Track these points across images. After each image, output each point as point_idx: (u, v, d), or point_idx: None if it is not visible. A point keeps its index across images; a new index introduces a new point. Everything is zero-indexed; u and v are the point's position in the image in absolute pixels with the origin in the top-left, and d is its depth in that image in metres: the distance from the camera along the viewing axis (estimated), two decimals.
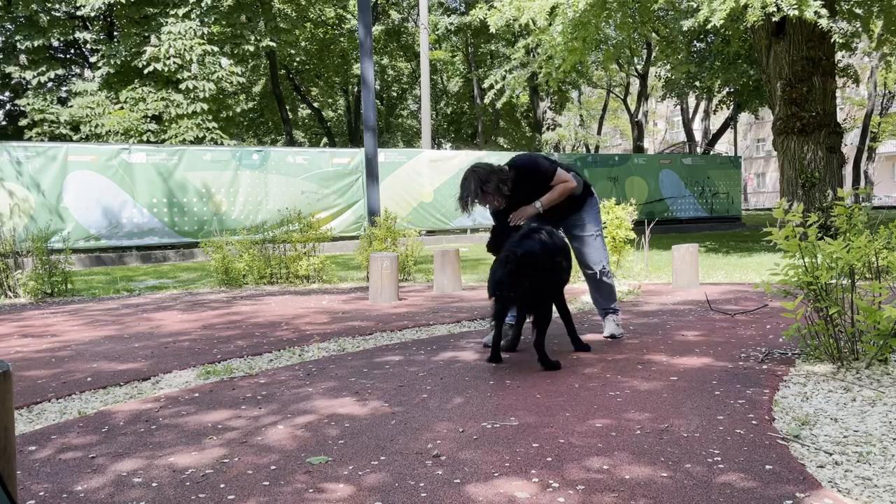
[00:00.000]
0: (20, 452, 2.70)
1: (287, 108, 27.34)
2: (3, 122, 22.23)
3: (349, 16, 25.38)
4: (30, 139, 17.94)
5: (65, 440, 2.87)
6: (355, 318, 5.82)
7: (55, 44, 20.53)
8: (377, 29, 26.47)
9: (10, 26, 19.16)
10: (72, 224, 12.11)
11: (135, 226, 12.75)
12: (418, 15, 20.69)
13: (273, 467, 2.49)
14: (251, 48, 19.40)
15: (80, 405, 3.41)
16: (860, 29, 13.95)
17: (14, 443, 1.79)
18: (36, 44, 18.25)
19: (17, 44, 18.33)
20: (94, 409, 3.31)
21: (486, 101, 24.97)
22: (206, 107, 18.05)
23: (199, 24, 18.05)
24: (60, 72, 19.76)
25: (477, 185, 4.14)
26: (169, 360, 4.31)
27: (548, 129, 29.80)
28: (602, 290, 4.69)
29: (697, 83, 22.44)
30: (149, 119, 17.96)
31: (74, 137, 17.82)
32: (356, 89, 28.20)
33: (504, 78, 15.89)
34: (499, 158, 17.62)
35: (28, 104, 18.26)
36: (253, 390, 3.56)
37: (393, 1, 28.04)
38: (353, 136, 30.28)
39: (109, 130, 17.41)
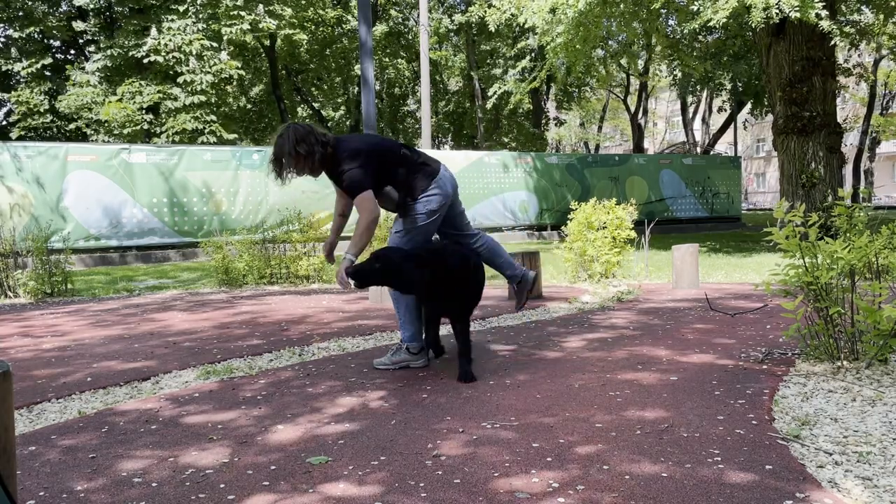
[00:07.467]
0: (20, 452, 2.70)
1: (287, 108, 27.35)
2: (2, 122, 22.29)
3: (349, 17, 25.40)
4: (20, 138, 17.99)
5: (65, 440, 2.87)
6: (356, 317, 5.82)
7: (55, 43, 20.56)
8: (378, 29, 26.46)
9: (3, 26, 19.23)
10: (72, 224, 12.11)
11: (135, 226, 12.75)
12: (418, 15, 20.68)
13: (273, 467, 2.49)
14: (247, 26, 19.21)
15: (80, 405, 3.41)
16: (863, 25, 13.96)
17: (14, 443, 1.79)
18: (28, 32, 18.24)
19: (13, 32, 18.38)
20: (94, 409, 3.31)
21: (489, 105, 25.02)
22: (204, 98, 18.06)
23: (195, 20, 18.08)
24: (50, 61, 19.69)
25: (291, 144, 3.57)
26: (169, 361, 4.30)
27: (555, 124, 29.86)
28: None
29: (710, 83, 22.46)
30: (145, 111, 17.98)
31: (69, 127, 17.85)
32: (356, 90, 28.20)
33: (513, 81, 15.90)
34: (500, 158, 17.68)
35: (16, 96, 18.27)
36: (253, 390, 3.56)
37: (393, 0, 28.04)
38: None
39: (106, 120, 17.42)
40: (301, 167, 3.66)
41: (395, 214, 4.00)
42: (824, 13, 9.63)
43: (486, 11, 13.29)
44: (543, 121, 29.98)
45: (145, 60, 17.86)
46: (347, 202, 3.95)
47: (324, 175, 3.84)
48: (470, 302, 3.79)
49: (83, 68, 19.31)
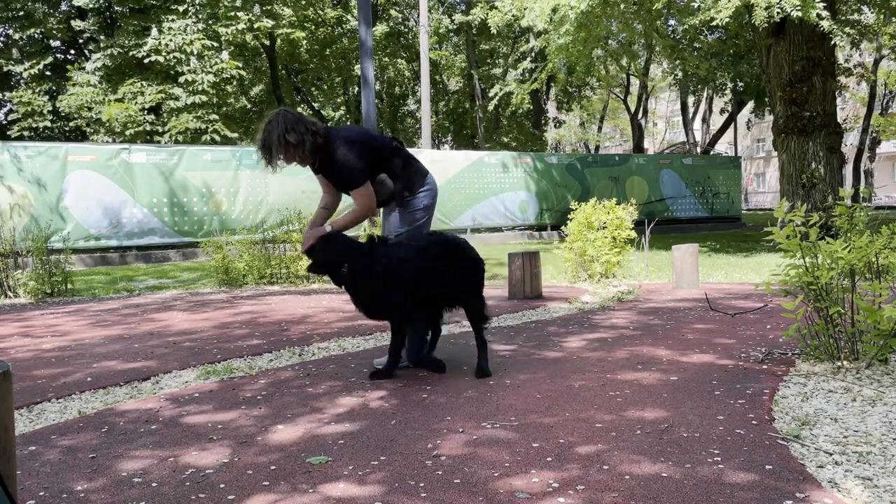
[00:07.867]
0: (20, 452, 2.70)
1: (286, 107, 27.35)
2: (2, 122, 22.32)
3: (349, 16, 25.41)
4: (20, 137, 18.01)
5: (64, 440, 2.87)
6: (356, 317, 5.81)
7: (55, 43, 20.56)
8: (378, 29, 26.48)
9: (3, 27, 19.26)
10: (72, 224, 12.10)
11: (135, 226, 12.74)
12: (418, 15, 20.69)
13: (273, 467, 2.49)
14: (243, 25, 19.18)
15: (80, 405, 3.41)
16: (863, 25, 13.99)
17: (14, 443, 1.79)
18: (29, 33, 18.25)
19: (13, 33, 18.40)
20: (94, 409, 3.31)
21: (490, 107, 24.99)
22: (205, 98, 18.07)
23: (195, 20, 18.10)
24: (50, 60, 19.68)
25: (281, 131, 3.45)
26: (169, 361, 4.30)
27: (555, 125, 29.84)
28: None
29: (712, 83, 22.49)
30: (146, 111, 17.99)
31: (69, 125, 17.83)
32: (356, 90, 28.20)
33: (514, 82, 15.94)
34: (500, 158, 17.67)
35: (18, 97, 18.29)
36: (253, 390, 3.56)
37: (393, 0, 28.05)
38: None
39: (108, 120, 17.41)
40: (290, 155, 3.55)
41: (386, 212, 3.97)
42: (825, 13, 9.64)
43: (487, 14, 13.31)
44: (543, 121, 29.99)
45: (146, 60, 17.88)
46: (333, 197, 3.83)
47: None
48: (394, 307, 3.50)
49: (83, 68, 19.32)
